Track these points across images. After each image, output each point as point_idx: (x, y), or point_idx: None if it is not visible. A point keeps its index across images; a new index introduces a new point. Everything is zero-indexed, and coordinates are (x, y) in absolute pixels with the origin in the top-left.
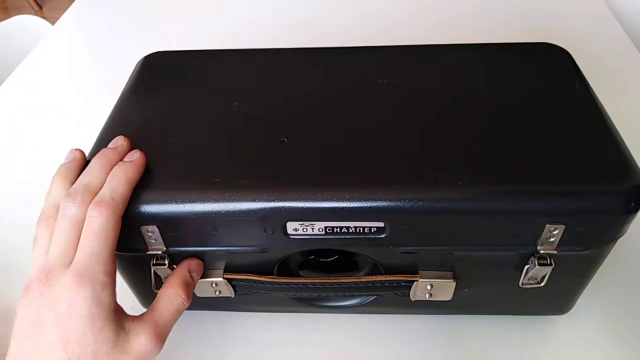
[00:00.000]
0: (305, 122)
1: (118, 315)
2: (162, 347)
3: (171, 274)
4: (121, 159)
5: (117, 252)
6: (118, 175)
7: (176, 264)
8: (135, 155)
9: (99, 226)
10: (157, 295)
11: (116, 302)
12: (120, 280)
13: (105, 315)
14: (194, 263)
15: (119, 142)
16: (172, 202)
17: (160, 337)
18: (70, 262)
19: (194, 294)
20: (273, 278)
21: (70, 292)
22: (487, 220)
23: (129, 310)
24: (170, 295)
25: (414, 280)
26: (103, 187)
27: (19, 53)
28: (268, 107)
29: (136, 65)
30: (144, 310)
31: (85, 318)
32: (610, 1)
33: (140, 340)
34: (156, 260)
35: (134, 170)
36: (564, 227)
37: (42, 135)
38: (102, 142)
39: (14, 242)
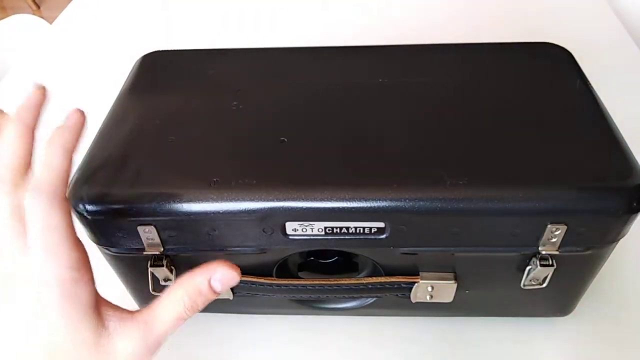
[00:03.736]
0: (305, 122)
1: (99, 310)
2: (153, 355)
3: (187, 275)
4: (37, 116)
5: (114, 253)
6: (51, 147)
7: (174, 265)
8: (74, 117)
9: (41, 220)
10: (161, 296)
11: (96, 296)
12: (117, 281)
13: (83, 312)
14: (221, 273)
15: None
16: (170, 202)
17: (153, 344)
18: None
19: None
20: (272, 279)
21: (35, 297)
22: (489, 221)
23: None
24: (176, 300)
25: (415, 282)
26: (37, 167)
27: (17, 52)
28: (267, 107)
29: (134, 64)
30: None
31: (60, 319)
32: (611, 0)
33: (128, 343)
34: (154, 261)
35: (71, 137)
36: (565, 227)
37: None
38: (100, 142)
39: None
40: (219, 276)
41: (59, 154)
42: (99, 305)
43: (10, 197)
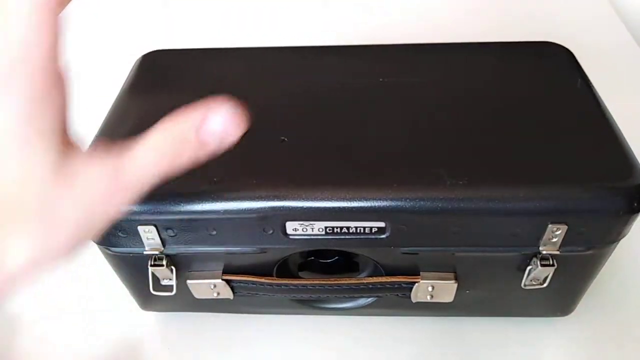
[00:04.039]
0: (305, 121)
1: (66, 138)
2: (123, 204)
3: (176, 118)
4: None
5: (114, 253)
6: None
7: (174, 265)
8: None
9: (19, 31)
10: (142, 138)
11: (65, 126)
12: (118, 281)
13: (49, 126)
14: (216, 121)
15: None
16: (169, 202)
17: (122, 189)
18: None
19: (191, 295)
20: (272, 279)
21: (13, 77)
22: (489, 221)
23: (126, 313)
24: (157, 147)
25: (415, 282)
26: None
27: None
28: (268, 106)
29: (134, 64)
30: (142, 312)
31: (13, 135)
32: None
33: (93, 177)
34: (154, 261)
35: None
36: (566, 227)
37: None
38: (99, 142)
39: None
40: (213, 126)
41: None
42: (67, 136)
43: None
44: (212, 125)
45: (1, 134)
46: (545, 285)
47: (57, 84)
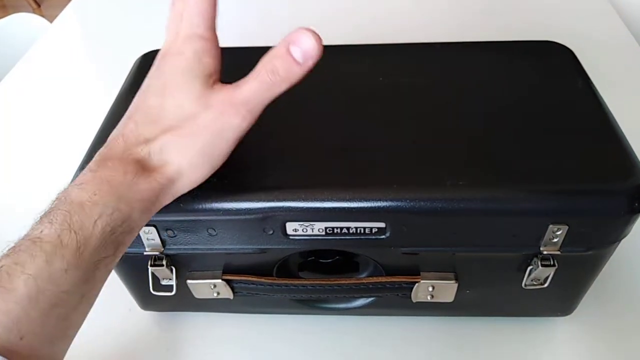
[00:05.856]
0: (305, 121)
1: (210, 81)
2: (238, 117)
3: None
4: None
5: None
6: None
7: (174, 265)
8: None
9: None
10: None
11: (217, 71)
12: (118, 281)
13: (199, 73)
14: (296, 37)
15: None
16: (169, 203)
17: (237, 103)
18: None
19: (191, 295)
20: (272, 279)
21: (180, 47)
22: (489, 221)
23: (126, 312)
24: (259, 67)
25: (416, 282)
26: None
27: (17, 51)
28: (267, 106)
29: (134, 64)
30: (142, 312)
31: (181, 70)
32: None
33: (219, 96)
34: (154, 261)
35: None
36: (567, 227)
37: (40, 133)
38: (99, 141)
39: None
40: (295, 40)
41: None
42: (211, 80)
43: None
44: (299, 42)
45: (174, 76)
46: (545, 285)
47: (206, 51)
